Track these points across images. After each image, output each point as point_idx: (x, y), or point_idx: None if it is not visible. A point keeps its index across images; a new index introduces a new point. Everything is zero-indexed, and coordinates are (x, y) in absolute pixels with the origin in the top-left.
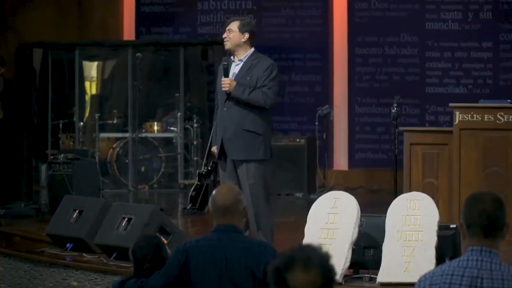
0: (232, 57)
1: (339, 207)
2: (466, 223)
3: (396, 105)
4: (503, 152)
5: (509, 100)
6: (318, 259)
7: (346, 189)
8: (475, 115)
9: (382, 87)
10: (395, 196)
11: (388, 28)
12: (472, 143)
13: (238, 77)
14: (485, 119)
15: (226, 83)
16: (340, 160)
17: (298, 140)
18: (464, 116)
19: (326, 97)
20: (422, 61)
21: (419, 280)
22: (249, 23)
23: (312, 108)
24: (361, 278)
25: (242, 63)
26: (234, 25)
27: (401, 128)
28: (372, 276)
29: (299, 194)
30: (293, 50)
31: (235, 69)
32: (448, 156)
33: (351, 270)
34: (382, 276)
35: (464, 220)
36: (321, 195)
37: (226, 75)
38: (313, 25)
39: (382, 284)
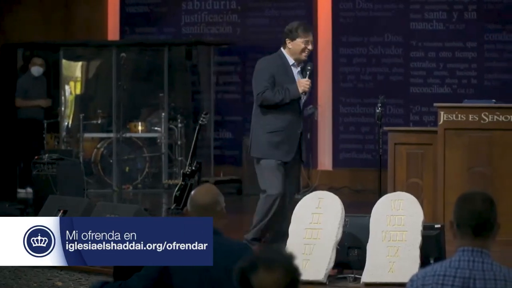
0: (293, 64)
1: (323, 207)
2: (457, 222)
3: (380, 105)
4: (488, 152)
5: (493, 100)
6: (282, 260)
7: (330, 189)
8: (459, 115)
9: (366, 87)
10: (380, 196)
11: (373, 28)
12: (457, 143)
13: None
14: (470, 119)
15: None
16: (325, 160)
17: None
18: (449, 116)
19: (310, 97)
20: (407, 61)
21: (411, 280)
22: None
23: None
24: (345, 278)
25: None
26: None
27: (385, 128)
28: (356, 276)
29: None
30: (277, 51)
31: (298, 74)
32: (432, 156)
33: (335, 270)
34: (367, 276)
35: (455, 219)
36: (305, 195)
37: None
38: None
39: (367, 284)
